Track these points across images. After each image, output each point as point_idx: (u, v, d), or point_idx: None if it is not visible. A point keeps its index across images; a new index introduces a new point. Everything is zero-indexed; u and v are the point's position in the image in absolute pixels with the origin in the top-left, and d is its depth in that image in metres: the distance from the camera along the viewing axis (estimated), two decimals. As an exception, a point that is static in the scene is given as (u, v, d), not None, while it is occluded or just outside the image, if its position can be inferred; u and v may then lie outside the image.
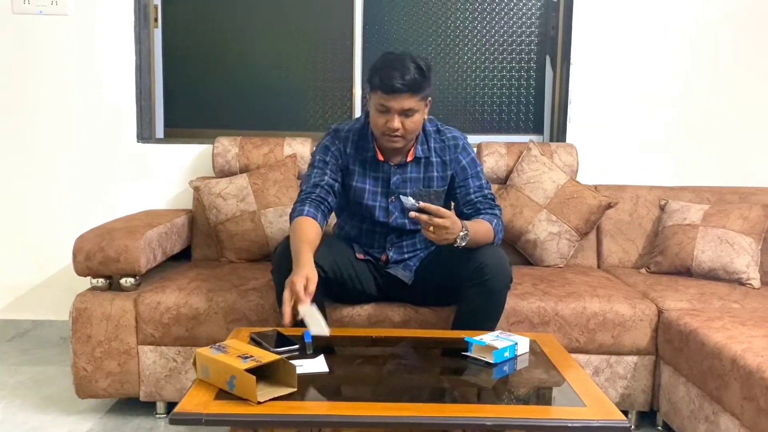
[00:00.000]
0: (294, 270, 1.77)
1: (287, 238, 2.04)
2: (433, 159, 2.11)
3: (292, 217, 2.02)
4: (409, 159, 2.10)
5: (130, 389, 2.25)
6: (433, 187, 2.11)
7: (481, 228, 2.00)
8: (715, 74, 2.99)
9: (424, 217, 1.83)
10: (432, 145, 2.11)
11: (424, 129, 2.10)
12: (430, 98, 2.02)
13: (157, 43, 3.13)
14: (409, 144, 2.07)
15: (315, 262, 1.94)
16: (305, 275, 1.74)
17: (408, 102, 1.93)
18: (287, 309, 1.70)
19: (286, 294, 1.71)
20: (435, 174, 2.11)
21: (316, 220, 1.99)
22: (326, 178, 2.07)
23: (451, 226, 1.85)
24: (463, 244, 1.90)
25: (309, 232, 1.93)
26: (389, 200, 2.11)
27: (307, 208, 2.01)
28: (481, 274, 1.93)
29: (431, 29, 3.14)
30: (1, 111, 2.98)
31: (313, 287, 1.73)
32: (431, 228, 1.84)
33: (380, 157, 2.09)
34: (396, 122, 1.95)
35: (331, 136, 2.13)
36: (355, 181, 2.11)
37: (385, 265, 2.18)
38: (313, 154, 2.16)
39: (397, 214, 2.12)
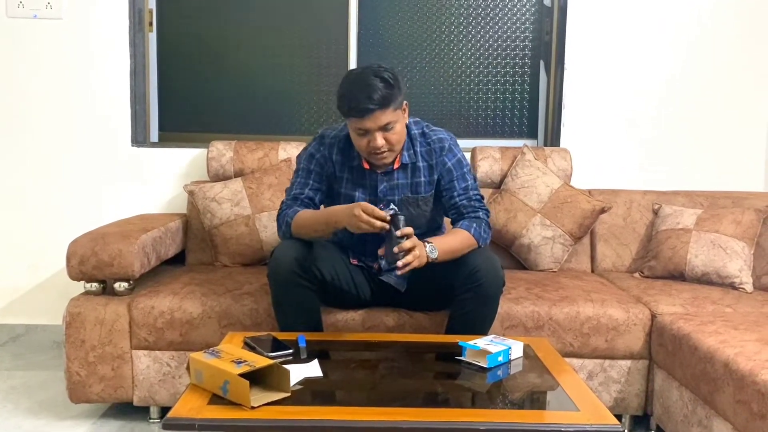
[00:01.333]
0: (346, 211, 1.86)
1: (285, 241, 2.05)
2: (420, 164, 2.08)
3: (286, 221, 2.03)
4: (395, 166, 2.07)
5: (123, 394, 2.25)
6: (420, 194, 2.09)
7: (455, 238, 2.00)
8: (709, 79, 3.01)
9: (408, 244, 1.82)
10: (418, 149, 2.08)
11: (409, 133, 2.08)
12: (405, 102, 1.99)
13: (152, 47, 3.12)
14: (398, 153, 2.05)
15: (314, 266, 1.95)
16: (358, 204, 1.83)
17: (384, 117, 1.89)
18: (376, 222, 1.80)
19: (364, 217, 1.81)
20: (422, 179, 2.09)
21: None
22: (306, 191, 2.08)
23: (416, 242, 1.86)
24: (435, 255, 1.90)
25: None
26: (378, 207, 2.09)
27: (297, 208, 2.04)
28: (474, 279, 1.93)
29: (425, 34, 3.15)
30: (-6, 115, 2.99)
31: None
32: (416, 251, 1.83)
33: (366, 166, 2.06)
34: (379, 140, 1.92)
35: (317, 142, 2.11)
36: (344, 188, 2.09)
37: (377, 274, 2.17)
38: (298, 158, 2.15)
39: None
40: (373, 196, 2.08)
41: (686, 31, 2.99)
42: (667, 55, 3.00)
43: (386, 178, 2.08)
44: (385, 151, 1.96)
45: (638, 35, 2.99)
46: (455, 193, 2.09)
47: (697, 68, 3.00)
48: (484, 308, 1.98)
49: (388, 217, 1.81)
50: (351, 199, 2.08)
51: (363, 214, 1.81)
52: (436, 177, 2.10)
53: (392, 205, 1.89)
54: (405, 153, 2.07)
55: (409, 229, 1.84)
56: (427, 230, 2.14)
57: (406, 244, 1.81)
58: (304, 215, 2.01)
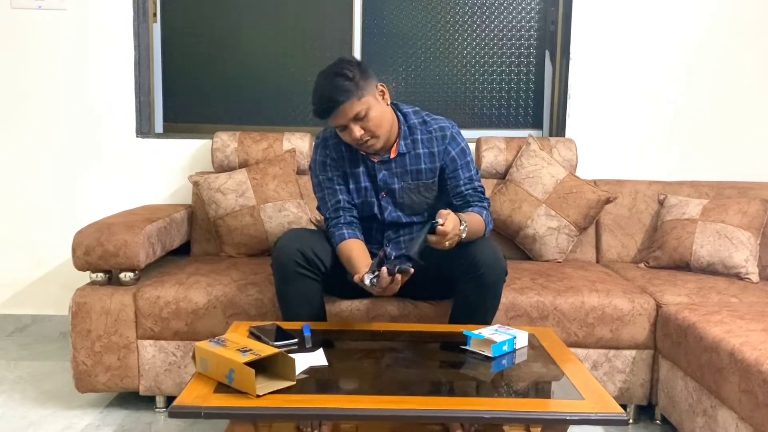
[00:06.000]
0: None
1: (288, 231, 2.08)
2: (421, 151, 2.08)
3: (332, 243, 2.05)
4: (392, 156, 2.07)
5: (129, 383, 2.26)
6: (422, 180, 2.10)
7: (474, 220, 2.00)
8: (716, 69, 2.99)
9: (434, 238, 1.81)
10: (419, 137, 2.08)
11: (408, 122, 2.08)
12: (378, 85, 1.97)
13: (156, 37, 3.12)
14: (391, 138, 2.05)
15: (316, 256, 1.96)
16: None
17: (351, 109, 1.90)
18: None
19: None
20: (423, 166, 2.09)
21: (357, 238, 2.03)
22: (341, 197, 2.08)
23: (454, 228, 1.82)
24: (464, 235, 1.89)
25: (355, 249, 1.99)
26: (379, 196, 2.10)
27: (344, 231, 2.03)
28: (475, 268, 1.93)
29: (430, 24, 3.13)
30: (-1, 106, 2.99)
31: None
32: (446, 243, 1.83)
33: (363, 152, 2.07)
34: (356, 131, 1.93)
35: (321, 147, 2.11)
36: (352, 182, 2.10)
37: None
38: (312, 171, 2.15)
39: (390, 208, 2.11)
40: (374, 183, 2.10)
41: (693, 21, 2.97)
42: (673, 45, 2.98)
43: (384, 167, 2.08)
44: (367, 140, 1.97)
45: (644, 25, 2.97)
46: (461, 182, 2.10)
47: (703, 58, 2.98)
48: (486, 297, 1.98)
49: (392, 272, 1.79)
50: (358, 191, 2.10)
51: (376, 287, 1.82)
52: (438, 164, 2.10)
53: (388, 251, 1.87)
54: (401, 142, 2.07)
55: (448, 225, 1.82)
56: (429, 216, 2.15)
57: (432, 238, 1.81)
58: (343, 255, 1.99)
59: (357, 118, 1.92)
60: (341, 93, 1.88)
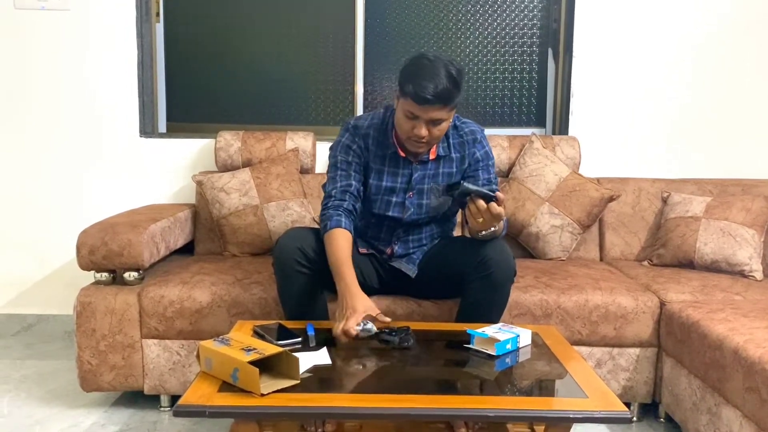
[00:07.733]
0: (347, 304, 1.80)
1: (288, 231, 2.07)
2: (453, 155, 2.10)
3: (326, 225, 1.98)
4: (431, 157, 2.08)
5: (134, 382, 2.27)
6: (452, 182, 2.10)
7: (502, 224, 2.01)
8: (719, 67, 2.98)
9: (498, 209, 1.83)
10: (452, 141, 2.10)
11: None
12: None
13: (159, 37, 3.13)
14: (433, 146, 2.06)
15: (317, 255, 1.96)
16: (362, 312, 1.77)
17: (438, 113, 1.89)
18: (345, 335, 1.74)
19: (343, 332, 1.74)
20: (454, 170, 2.11)
21: (351, 232, 1.99)
22: (353, 182, 2.05)
23: (501, 214, 1.85)
24: (499, 230, 1.93)
25: (347, 249, 1.94)
26: (407, 196, 2.10)
27: (343, 219, 1.98)
28: (485, 267, 1.93)
29: (433, 22, 3.13)
30: (2, 106, 2.99)
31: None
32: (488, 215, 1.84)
33: (402, 154, 2.07)
34: (423, 131, 1.92)
35: (351, 133, 2.08)
36: (374, 178, 2.09)
37: (389, 259, 2.18)
38: (332, 151, 2.11)
39: (413, 210, 2.10)
40: (406, 184, 2.09)
41: (695, 19, 2.96)
42: (676, 42, 2.97)
43: (420, 167, 2.09)
44: (424, 142, 1.97)
45: (647, 23, 2.97)
46: (479, 182, 2.10)
47: (706, 55, 2.98)
48: (495, 296, 1.98)
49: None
50: (380, 189, 2.09)
51: (343, 332, 1.75)
52: (465, 167, 2.12)
53: (369, 324, 1.80)
54: (440, 145, 2.08)
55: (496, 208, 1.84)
56: (441, 217, 2.17)
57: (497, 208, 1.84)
58: (335, 244, 1.93)
59: (435, 122, 1.92)
60: (444, 92, 1.86)
